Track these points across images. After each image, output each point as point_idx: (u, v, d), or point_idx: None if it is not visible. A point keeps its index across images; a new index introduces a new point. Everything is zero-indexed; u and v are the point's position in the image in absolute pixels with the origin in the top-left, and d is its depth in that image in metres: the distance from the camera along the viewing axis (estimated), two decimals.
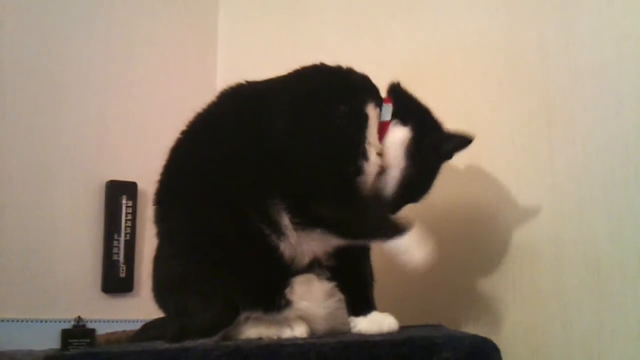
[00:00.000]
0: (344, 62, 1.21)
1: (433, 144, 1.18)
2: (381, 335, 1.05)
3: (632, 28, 1.18)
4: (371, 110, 1.15)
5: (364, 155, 1.12)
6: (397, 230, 1.06)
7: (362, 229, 1.10)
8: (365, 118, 1.14)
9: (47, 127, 1.83)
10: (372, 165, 1.13)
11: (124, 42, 2.02)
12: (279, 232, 1.07)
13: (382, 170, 1.16)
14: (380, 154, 1.16)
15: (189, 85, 2.09)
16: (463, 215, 1.46)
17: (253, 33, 2.19)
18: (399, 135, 1.17)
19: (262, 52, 2.10)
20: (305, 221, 1.08)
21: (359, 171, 1.11)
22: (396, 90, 1.21)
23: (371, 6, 1.80)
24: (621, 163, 1.17)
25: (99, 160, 1.90)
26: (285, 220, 1.07)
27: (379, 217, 1.12)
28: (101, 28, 1.98)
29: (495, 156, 1.41)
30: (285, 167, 1.09)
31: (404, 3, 1.71)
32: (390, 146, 1.16)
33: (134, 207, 1.90)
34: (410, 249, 1.06)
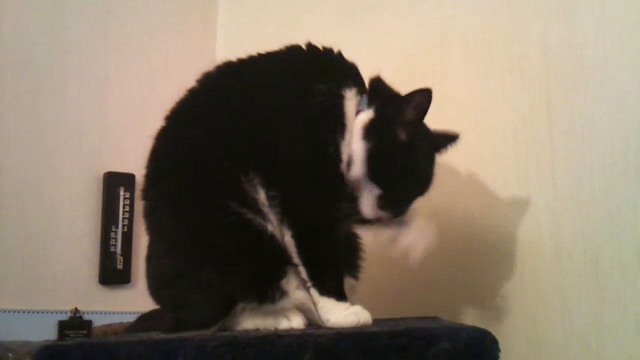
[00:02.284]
0: (345, 54, 1.21)
1: (393, 114, 1.13)
2: (379, 326, 1.04)
3: (635, 24, 1.17)
4: (349, 94, 1.14)
5: (340, 132, 1.10)
6: (336, 292, 1.07)
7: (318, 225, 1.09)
8: (341, 98, 1.12)
9: (45, 119, 1.83)
10: (346, 145, 1.11)
11: (123, 35, 2.02)
12: (260, 211, 1.06)
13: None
14: None
15: (188, 78, 2.07)
16: (464, 210, 1.45)
17: (252, 28, 2.18)
18: (360, 118, 1.14)
19: (261, 47, 2.09)
20: (281, 193, 1.06)
21: (337, 149, 1.09)
22: (374, 82, 1.19)
23: None
24: (622, 159, 1.17)
25: (97, 152, 1.90)
26: (262, 195, 1.06)
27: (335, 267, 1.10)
28: (100, 21, 1.98)
29: (497, 151, 1.40)
30: (263, 138, 1.08)
31: None
32: (354, 131, 1.13)
33: (132, 199, 1.89)
34: (325, 311, 1.06)
